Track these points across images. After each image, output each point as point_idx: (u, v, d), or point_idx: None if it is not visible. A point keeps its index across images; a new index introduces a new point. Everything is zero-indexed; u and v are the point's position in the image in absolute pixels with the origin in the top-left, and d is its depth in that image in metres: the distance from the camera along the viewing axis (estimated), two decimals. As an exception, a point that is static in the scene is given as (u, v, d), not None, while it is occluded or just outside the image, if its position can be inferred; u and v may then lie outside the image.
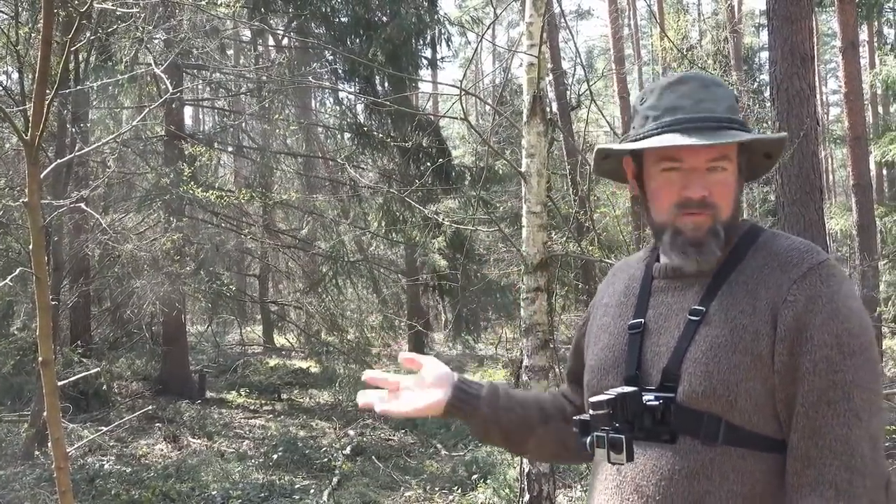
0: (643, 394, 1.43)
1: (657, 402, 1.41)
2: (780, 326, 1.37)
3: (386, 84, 12.93)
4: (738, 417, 1.37)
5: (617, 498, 1.47)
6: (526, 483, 4.86)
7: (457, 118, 6.42)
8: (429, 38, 13.27)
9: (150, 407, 9.87)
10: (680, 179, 1.49)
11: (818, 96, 12.22)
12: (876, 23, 21.37)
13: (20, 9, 8.83)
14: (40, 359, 2.12)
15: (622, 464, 1.41)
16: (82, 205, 8.18)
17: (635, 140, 1.54)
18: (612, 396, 1.42)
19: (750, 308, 1.41)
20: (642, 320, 1.54)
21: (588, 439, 1.45)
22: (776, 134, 1.63)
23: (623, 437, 1.39)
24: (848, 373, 1.34)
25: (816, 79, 6.46)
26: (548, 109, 5.33)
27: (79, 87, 8.49)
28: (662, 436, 1.41)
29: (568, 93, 14.00)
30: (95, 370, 8.54)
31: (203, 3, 9.86)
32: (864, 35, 21.92)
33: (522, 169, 5.02)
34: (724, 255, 1.51)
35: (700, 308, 1.46)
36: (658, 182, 1.53)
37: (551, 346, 5.07)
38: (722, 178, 1.49)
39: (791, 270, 1.42)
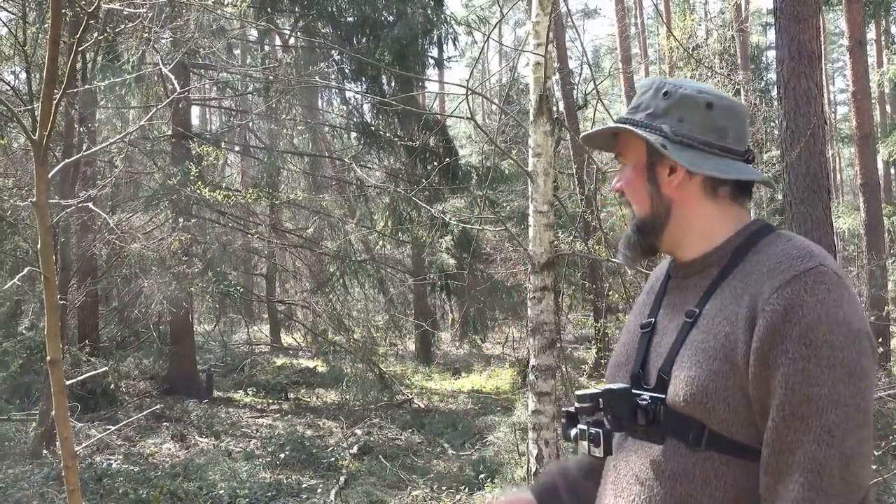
0: (639, 392, 1.44)
1: (647, 402, 1.41)
2: (755, 336, 1.31)
3: (393, 83, 12.95)
4: (718, 425, 1.34)
5: (612, 493, 1.49)
6: (533, 482, 4.86)
7: (463, 117, 6.44)
8: (435, 37, 13.29)
9: (157, 406, 9.91)
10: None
11: (825, 95, 12.18)
12: (883, 21, 21.26)
13: (28, 9, 8.85)
14: (48, 358, 2.13)
15: (600, 457, 1.47)
16: (90, 204, 8.21)
17: None
18: (598, 391, 1.45)
19: (733, 314, 1.36)
20: (653, 319, 1.55)
21: (573, 431, 1.51)
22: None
23: (601, 431, 1.44)
24: (824, 387, 1.26)
25: (824, 78, 6.43)
26: (554, 109, 5.32)
27: (86, 87, 8.51)
28: (653, 436, 1.41)
29: (574, 92, 13.97)
30: (103, 369, 8.56)
31: (210, 2, 9.87)
32: (871, 34, 21.82)
33: (529, 168, 5.02)
34: (728, 254, 1.47)
35: (694, 310, 1.44)
36: None
37: (558, 345, 5.07)
38: (627, 174, 1.56)
39: (776, 277, 1.34)
